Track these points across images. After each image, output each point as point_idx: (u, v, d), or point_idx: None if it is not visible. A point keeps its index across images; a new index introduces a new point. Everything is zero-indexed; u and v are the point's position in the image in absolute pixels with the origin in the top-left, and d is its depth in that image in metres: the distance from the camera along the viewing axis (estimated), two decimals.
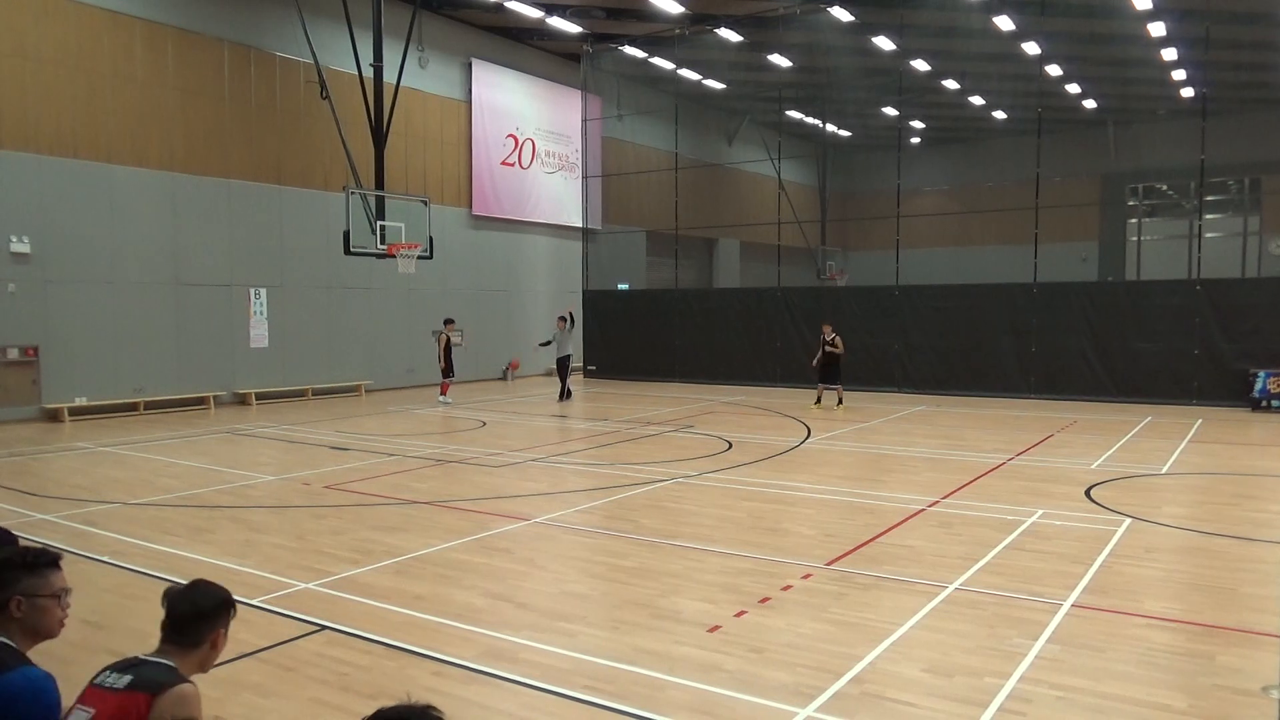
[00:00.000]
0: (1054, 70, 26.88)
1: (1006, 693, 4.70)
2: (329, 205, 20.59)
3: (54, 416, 16.67)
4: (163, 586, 6.81)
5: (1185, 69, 26.96)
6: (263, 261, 20.14)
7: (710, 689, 4.77)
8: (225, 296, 19.46)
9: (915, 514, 8.94)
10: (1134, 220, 35.77)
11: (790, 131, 35.65)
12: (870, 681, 4.87)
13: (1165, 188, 35.59)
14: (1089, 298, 20.14)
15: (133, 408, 17.80)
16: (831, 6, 23.01)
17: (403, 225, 18.49)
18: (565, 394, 20.63)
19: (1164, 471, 11.42)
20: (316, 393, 21.08)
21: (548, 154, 28.18)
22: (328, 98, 18.57)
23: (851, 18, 23.53)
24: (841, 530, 8.33)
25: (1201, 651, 5.32)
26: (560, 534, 8.38)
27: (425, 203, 19.37)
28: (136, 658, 2.84)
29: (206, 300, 19.09)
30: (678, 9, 23.35)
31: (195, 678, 2.85)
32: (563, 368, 20.97)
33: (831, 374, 18.50)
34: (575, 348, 22.59)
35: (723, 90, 31.63)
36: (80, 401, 17.05)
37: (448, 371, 20.05)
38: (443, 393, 20.02)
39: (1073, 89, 29.98)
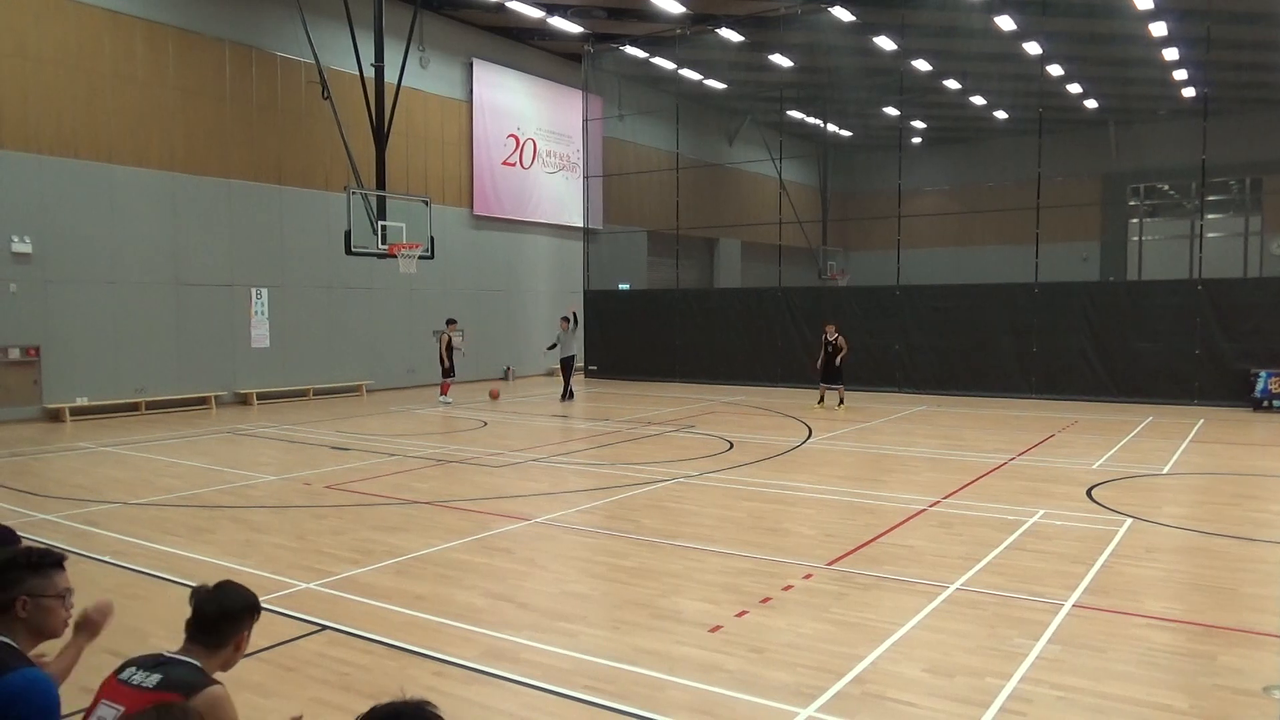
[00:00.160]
0: (1055, 70, 26.87)
1: (1007, 693, 4.70)
2: (330, 205, 20.60)
3: (55, 416, 16.68)
4: (164, 586, 6.82)
5: (1186, 69, 26.95)
6: (264, 261, 20.15)
7: (711, 689, 4.77)
8: (226, 296, 19.47)
9: (916, 514, 8.94)
10: (1135, 220, 35.75)
11: (791, 131, 35.64)
12: (871, 681, 4.87)
13: (1166, 188, 35.56)
14: (1090, 298, 20.13)
15: (134, 408, 17.81)
16: (832, 6, 23.01)
17: (404, 225, 18.49)
18: (567, 394, 20.63)
19: (1165, 472, 11.42)
20: (317, 393, 21.08)
21: (549, 154, 28.19)
22: (329, 98, 18.58)
23: (852, 18, 23.53)
24: (842, 530, 8.33)
25: (1203, 652, 5.32)
26: (561, 534, 8.38)
27: (426, 203, 19.37)
28: (161, 655, 2.84)
29: (207, 300, 19.10)
30: (679, 9, 23.35)
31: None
32: (566, 368, 20.96)
33: (833, 374, 18.50)
34: (578, 348, 22.60)
35: (724, 90, 31.62)
36: (81, 401, 17.06)
37: (448, 371, 20.06)
38: (443, 393, 20.03)
39: (1074, 89, 29.97)
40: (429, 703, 2.08)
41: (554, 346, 21.37)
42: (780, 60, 27.89)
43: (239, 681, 4.84)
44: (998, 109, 33.27)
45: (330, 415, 17.65)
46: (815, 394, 19.19)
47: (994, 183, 33.21)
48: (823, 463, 12.22)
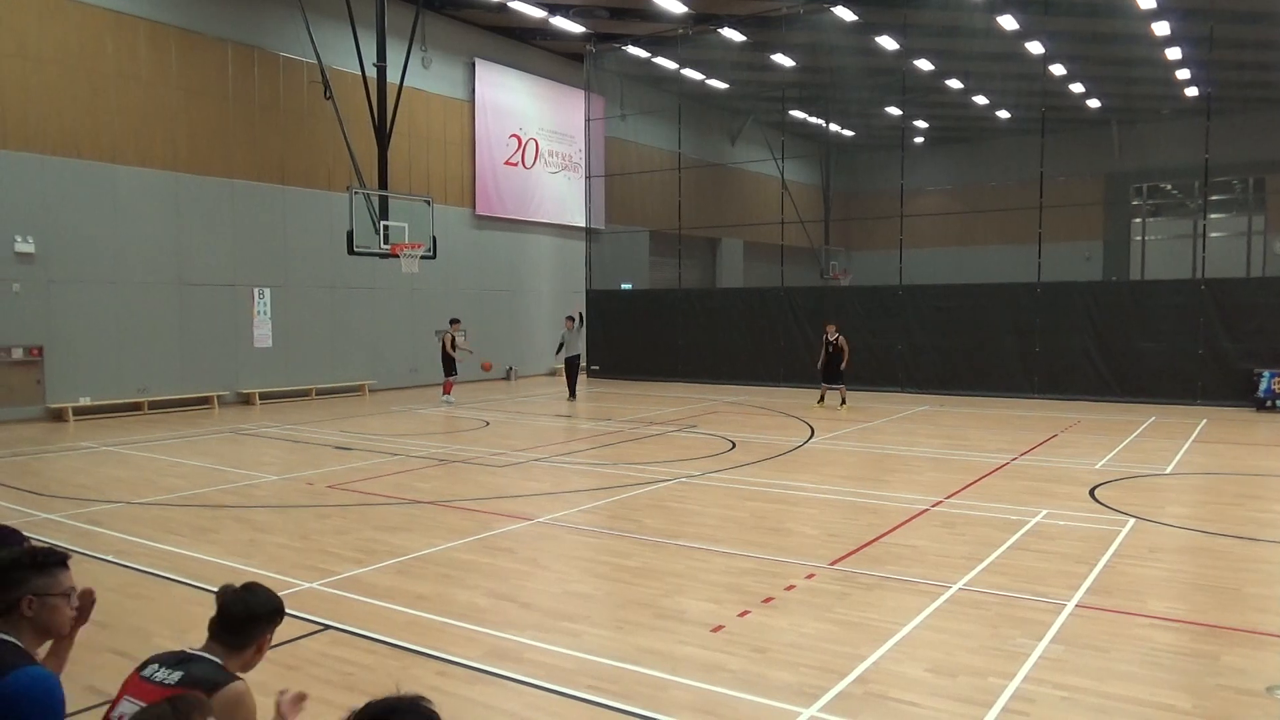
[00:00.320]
0: (1058, 70, 26.84)
1: (1010, 693, 4.70)
2: (332, 205, 20.63)
3: (58, 416, 16.71)
4: (167, 586, 6.83)
5: (1189, 68, 26.91)
6: (266, 261, 20.17)
7: (714, 689, 4.77)
8: (229, 296, 19.49)
9: (919, 514, 8.93)
10: (1138, 220, 35.71)
11: (793, 131, 35.63)
12: (874, 681, 4.87)
13: (1169, 187, 35.52)
14: (1093, 297, 20.11)
15: (136, 407, 17.84)
16: (835, 6, 22.99)
17: (406, 225, 18.49)
18: (571, 394, 20.64)
19: (1168, 471, 11.40)
20: (320, 392, 21.10)
21: (551, 154, 28.19)
22: (331, 98, 18.58)
23: (855, 17, 23.51)
24: (845, 530, 8.33)
25: (1206, 652, 5.31)
26: (564, 534, 8.38)
27: (428, 202, 19.38)
28: (184, 652, 2.86)
29: (210, 300, 19.12)
30: (681, 9, 23.34)
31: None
32: (572, 367, 20.95)
33: (834, 374, 18.50)
34: (582, 347, 22.62)
35: (726, 90, 31.62)
36: (84, 401, 17.08)
37: (450, 371, 20.07)
38: (446, 392, 20.04)
39: (1077, 88, 29.94)
40: (423, 698, 2.08)
41: (561, 347, 21.34)
42: (782, 60, 27.88)
43: None
44: (1000, 108, 33.25)
45: (333, 415, 17.66)
46: (818, 394, 19.19)
47: (997, 182, 33.21)
48: (825, 462, 12.22)
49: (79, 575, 3.12)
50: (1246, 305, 18.54)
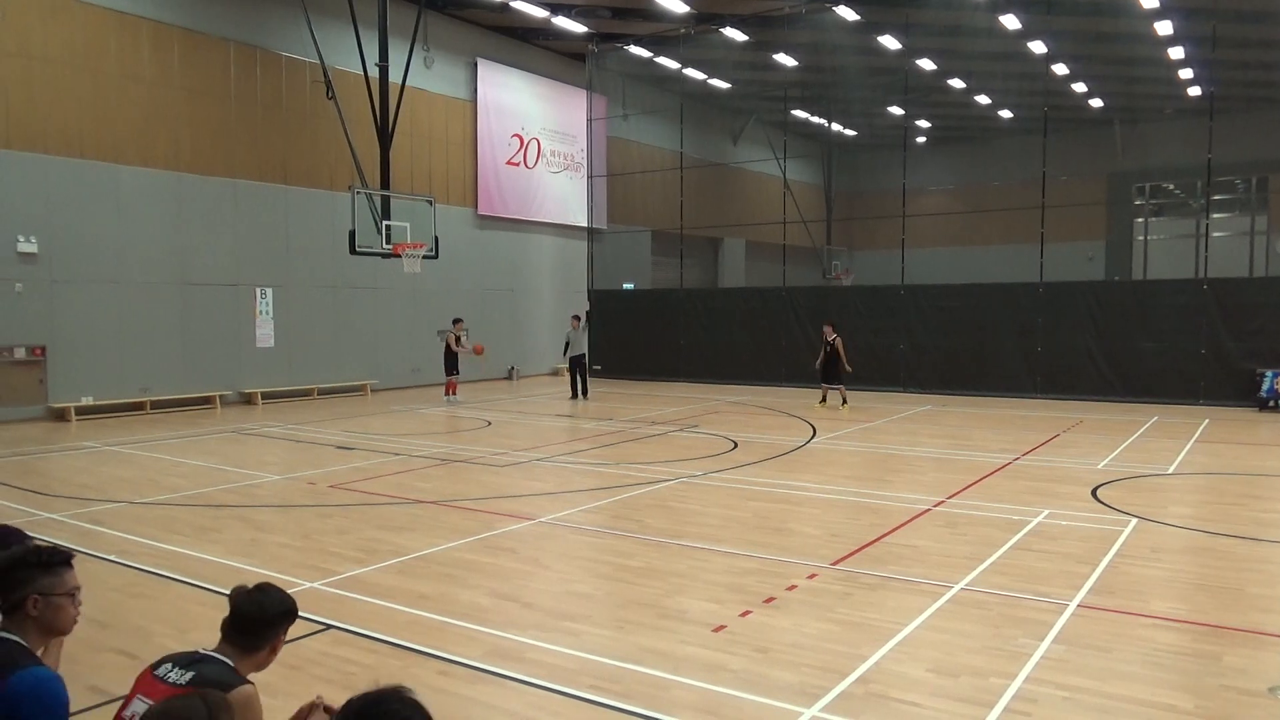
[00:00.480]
0: (1060, 69, 26.81)
1: (1012, 693, 4.70)
2: (334, 205, 20.64)
3: (60, 416, 16.73)
4: (169, 585, 6.84)
5: (1192, 68, 26.88)
6: (268, 261, 20.19)
7: (715, 689, 4.78)
8: (231, 296, 19.51)
9: (921, 514, 8.93)
10: (1140, 219, 35.67)
11: (796, 131, 35.61)
12: (875, 681, 4.87)
13: (1172, 187, 35.48)
14: (1095, 297, 20.09)
15: (139, 407, 17.85)
16: (837, 6, 22.97)
17: (408, 225, 18.50)
18: (574, 394, 20.64)
19: (1170, 471, 11.39)
20: (322, 392, 21.12)
21: (553, 153, 28.19)
22: (333, 97, 18.60)
23: (857, 17, 23.49)
24: (847, 530, 8.33)
25: (1208, 652, 5.31)
26: (565, 534, 8.38)
27: (431, 202, 19.39)
28: (197, 653, 2.88)
29: (212, 300, 19.14)
30: (683, 8, 23.34)
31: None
32: (578, 367, 20.91)
33: (833, 375, 18.49)
34: (586, 347, 22.58)
35: (728, 89, 31.61)
36: (86, 401, 17.10)
37: (452, 370, 20.07)
38: (448, 392, 20.04)
39: (1079, 88, 29.90)
40: (404, 687, 2.10)
41: (568, 346, 21.29)
42: (785, 59, 27.88)
43: None
44: (1002, 108, 33.21)
45: (335, 415, 17.68)
46: (819, 394, 19.19)
47: (999, 182, 33.17)
48: (827, 462, 12.22)
49: (81, 575, 3.12)
50: (1249, 305, 18.52)
